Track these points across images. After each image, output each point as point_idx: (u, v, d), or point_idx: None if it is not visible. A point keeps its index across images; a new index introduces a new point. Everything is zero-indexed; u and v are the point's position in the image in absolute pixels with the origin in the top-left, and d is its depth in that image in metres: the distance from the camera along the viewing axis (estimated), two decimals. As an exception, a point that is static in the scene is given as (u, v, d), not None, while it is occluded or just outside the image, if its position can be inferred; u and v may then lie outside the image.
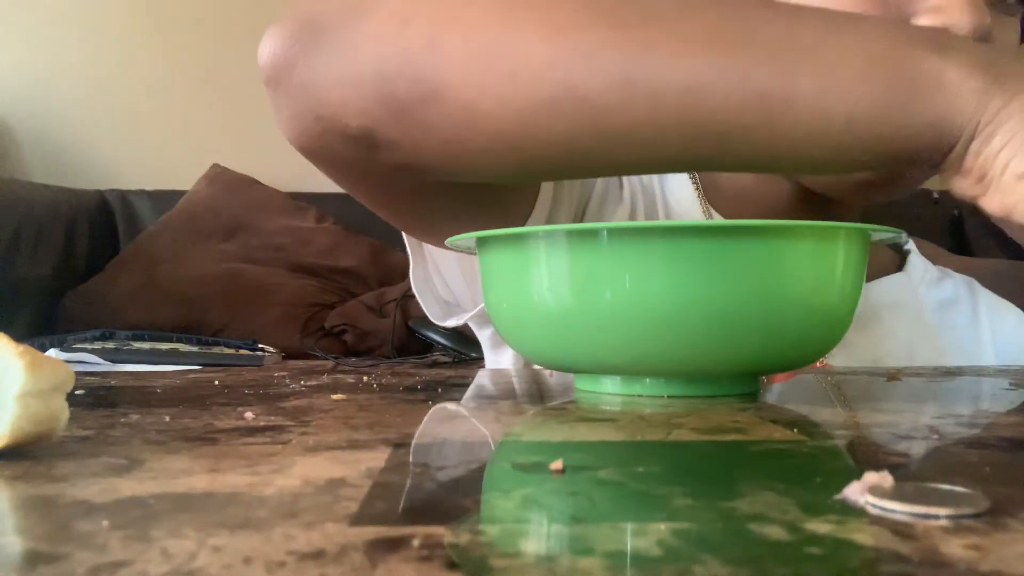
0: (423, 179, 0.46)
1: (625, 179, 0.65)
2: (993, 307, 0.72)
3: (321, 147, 0.45)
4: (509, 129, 0.39)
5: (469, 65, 0.39)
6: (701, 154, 0.38)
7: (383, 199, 0.52)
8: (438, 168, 0.43)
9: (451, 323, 0.65)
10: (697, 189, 0.67)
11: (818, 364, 0.51)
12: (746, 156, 0.38)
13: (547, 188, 0.57)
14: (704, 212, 0.66)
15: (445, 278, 0.63)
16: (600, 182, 0.62)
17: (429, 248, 0.61)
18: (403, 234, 0.62)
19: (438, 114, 0.40)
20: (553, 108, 0.37)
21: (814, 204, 0.64)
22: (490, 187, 0.52)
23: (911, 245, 0.73)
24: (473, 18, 0.39)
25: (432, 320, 0.66)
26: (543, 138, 0.39)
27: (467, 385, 0.47)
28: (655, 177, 0.69)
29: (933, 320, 0.70)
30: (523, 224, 0.56)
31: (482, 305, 0.60)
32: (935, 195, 2.26)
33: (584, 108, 0.37)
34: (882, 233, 0.40)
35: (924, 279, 0.71)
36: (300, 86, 0.43)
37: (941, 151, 0.36)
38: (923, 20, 0.51)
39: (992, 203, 0.36)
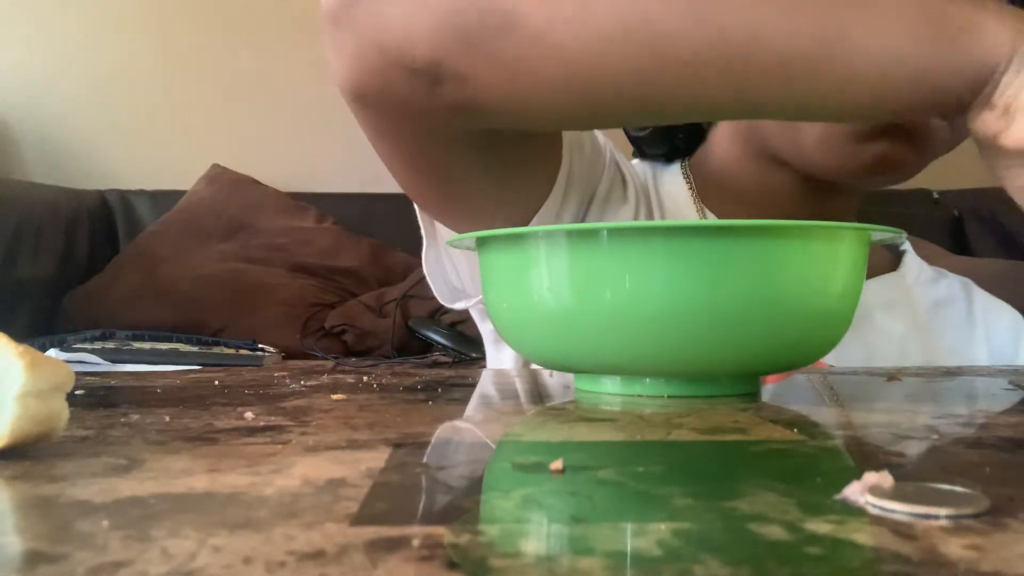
0: (479, 123, 0.45)
1: (630, 178, 0.65)
2: (988, 307, 0.72)
3: (380, 85, 0.44)
4: (579, 59, 0.39)
5: None
6: (759, 93, 0.40)
7: (418, 153, 0.51)
8: (500, 106, 0.43)
9: (459, 306, 0.65)
10: (691, 189, 0.67)
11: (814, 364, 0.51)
12: (804, 93, 0.39)
13: (564, 169, 0.57)
14: (698, 212, 0.66)
15: (454, 261, 0.63)
16: (606, 179, 0.63)
17: (441, 230, 0.61)
18: (418, 214, 0.61)
19: (509, 44, 0.40)
20: (624, 38, 0.38)
21: (812, 196, 0.64)
22: (522, 156, 0.52)
23: (907, 245, 0.73)
24: None
25: (440, 301, 0.66)
26: (612, 70, 0.39)
27: (467, 385, 0.47)
28: (649, 176, 0.70)
29: (927, 320, 0.70)
30: (542, 199, 0.56)
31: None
32: (935, 195, 2.26)
33: (654, 40, 0.38)
34: (882, 233, 0.40)
35: (919, 279, 0.71)
36: (367, 18, 0.42)
37: (977, 87, 0.39)
38: None
39: (1012, 136, 0.38)
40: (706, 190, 0.67)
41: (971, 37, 0.38)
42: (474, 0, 0.40)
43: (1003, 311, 0.72)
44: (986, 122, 0.39)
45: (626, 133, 0.72)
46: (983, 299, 0.73)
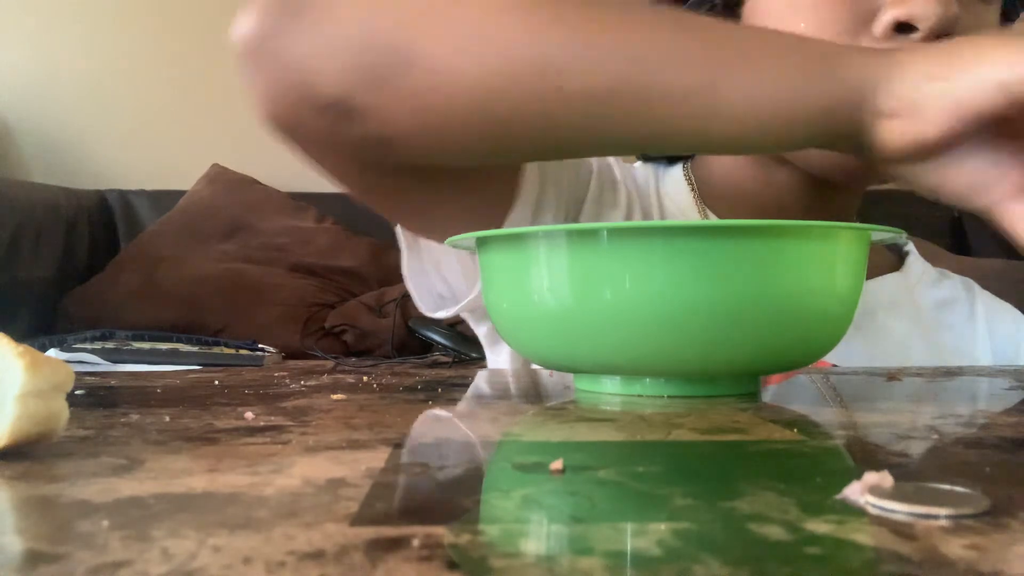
0: (390, 157, 0.46)
1: (621, 182, 0.65)
2: (991, 307, 0.72)
3: (294, 120, 0.46)
4: (478, 94, 0.41)
5: (442, 33, 0.41)
6: (653, 127, 0.41)
7: (354, 179, 0.52)
8: (409, 142, 0.44)
9: (441, 315, 0.65)
10: (693, 191, 0.68)
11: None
12: (695, 127, 0.40)
13: (532, 180, 0.57)
14: (700, 213, 0.66)
15: (443, 271, 0.63)
16: (595, 184, 0.62)
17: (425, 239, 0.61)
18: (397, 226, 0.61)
19: (411, 81, 0.41)
20: (520, 74, 0.40)
21: (814, 196, 0.64)
22: (464, 173, 0.53)
23: (910, 247, 0.73)
24: None
25: (423, 311, 0.66)
26: (509, 105, 0.41)
27: (467, 385, 0.47)
28: (651, 179, 0.70)
29: (929, 320, 0.70)
30: (503, 211, 0.56)
31: (471, 297, 0.60)
32: (935, 195, 2.26)
33: (549, 76, 0.39)
34: (882, 233, 0.40)
35: (922, 280, 0.71)
36: (276, 56, 0.44)
37: (864, 108, 0.39)
38: (888, 11, 0.51)
39: (930, 121, 0.38)
40: (707, 191, 0.67)
41: (845, 61, 0.40)
42: (377, 38, 0.42)
43: (1006, 312, 0.73)
44: (897, 128, 0.39)
45: None
46: (986, 299, 0.73)
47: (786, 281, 0.37)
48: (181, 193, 2.12)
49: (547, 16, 0.40)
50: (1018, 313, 0.73)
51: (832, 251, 0.39)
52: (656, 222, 0.36)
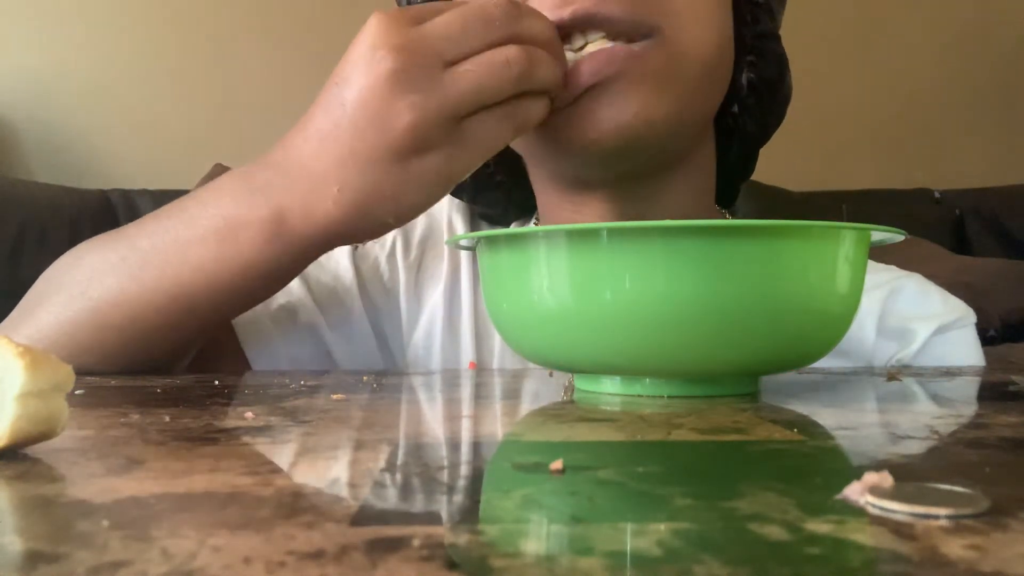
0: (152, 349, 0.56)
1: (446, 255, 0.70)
2: (906, 288, 0.64)
3: None
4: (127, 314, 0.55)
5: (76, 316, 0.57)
6: (187, 312, 0.55)
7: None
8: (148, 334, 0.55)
9: None
10: None
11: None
12: (203, 290, 0.53)
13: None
14: None
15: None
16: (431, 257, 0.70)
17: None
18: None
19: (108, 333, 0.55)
20: (118, 302, 0.55)
21: (625, 203, 0.62)
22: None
23: None
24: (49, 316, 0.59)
25: None
26: (123, 318, 0.55)
27: (466, 385, 0.47)
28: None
29: None
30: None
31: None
32: (936, 194, 2.26)
33: (131, 301, 0.54)
34: (882, 233, 0.40)
35: None
36: None
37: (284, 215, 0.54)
38: None
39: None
40: None
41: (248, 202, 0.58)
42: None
43: (927, 297, 0.64)
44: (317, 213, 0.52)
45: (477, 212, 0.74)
46: (914, 283, 0.65)
47: (786, 281, 0.37)
48: (184, 192, 2.12)
49: (124, 274, 0.56)
50: (944, 304, 0.64)
51: (832, 251, 0.39)
52: (656, 222, 0.36)
